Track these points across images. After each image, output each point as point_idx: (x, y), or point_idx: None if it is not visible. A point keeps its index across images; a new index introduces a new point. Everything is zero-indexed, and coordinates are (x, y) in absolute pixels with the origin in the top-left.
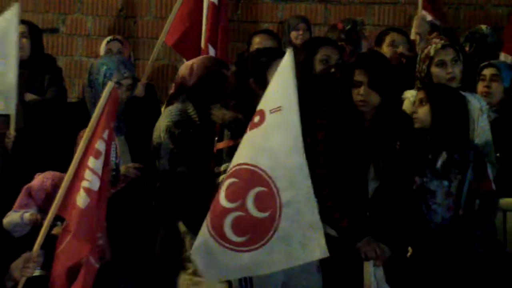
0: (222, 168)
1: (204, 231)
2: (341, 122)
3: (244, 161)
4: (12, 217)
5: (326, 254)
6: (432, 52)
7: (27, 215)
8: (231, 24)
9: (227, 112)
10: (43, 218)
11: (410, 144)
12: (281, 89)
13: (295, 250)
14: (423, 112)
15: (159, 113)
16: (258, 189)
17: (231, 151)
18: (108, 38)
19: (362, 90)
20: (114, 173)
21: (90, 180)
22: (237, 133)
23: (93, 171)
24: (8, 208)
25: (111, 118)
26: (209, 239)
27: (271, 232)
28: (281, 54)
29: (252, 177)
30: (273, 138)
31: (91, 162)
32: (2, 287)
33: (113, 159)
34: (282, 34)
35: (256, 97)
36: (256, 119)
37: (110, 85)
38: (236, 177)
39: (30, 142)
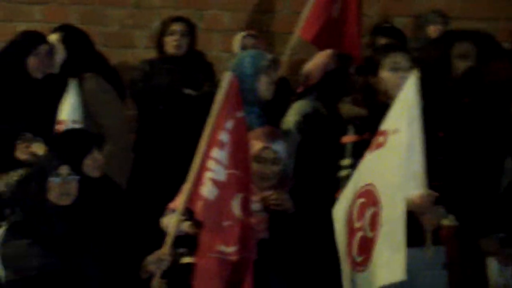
0: (345, 162)
1: (342, 252)
2: (486, 114)
3: (369, 182)
4: (170, 221)
5: (405, 277)
6: None
7: (186, 225)
8: (368, 18)
9: (352, 107)
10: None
11: None
12: (402, 110)
13: (380, 270)
14: None
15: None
16: (372, 209)
17: (356, 146)
18: (243, 33)
19: None
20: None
21: (215, 170)
22: (361, 129)
23: (218, 161)
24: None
25: (234, 108)
26: (345, 260)
27: (372, 252)
28: (393, 49)
29: (370, 196)
30: (388, 159)
31: (215, 152)
32: (137, 278)
33: (284, 158)
34: (417, 28)
35: (376, 93)
36: (381, 139)
37: (228, 74)
38: (364, 197)
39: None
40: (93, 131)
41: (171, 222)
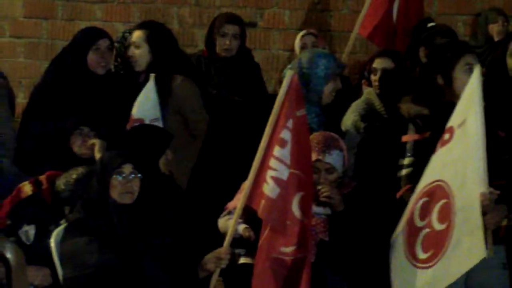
0: (405, 161)
1: (399, 250)
2: None
3: (434, 179)
4: (227, 224)
5: (486, 255)
6: None
7: (241, 228)
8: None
9: (413, 106)
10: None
11: None
12: (468, 104)
13: (462, 257)
14: None
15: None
16: (441, 202)
17: (416, 145)
18: (302, 32)
19: None
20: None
21: (277, 169)
22: (422, 128)
23: (279, 160)
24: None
25: (295, 106)
26: (404, 259)
27: (447, 243)
28: (468, 50)
29: (438, 192)
30: (456, 150)
31: (276, 151)
32: (195, 276)
33: (339, 166)
34: (478, 27)
35: (443, 93)
36: (446, 136)
37: (290, 73)
38: (427, 195)
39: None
40: (180, 131)
41: (230, 221)
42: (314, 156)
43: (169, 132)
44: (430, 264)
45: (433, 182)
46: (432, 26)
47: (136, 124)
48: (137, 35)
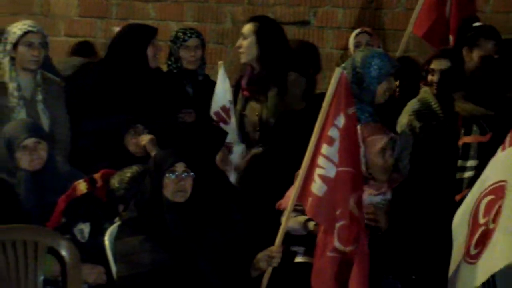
0: (469, 163)
1: (460, 250)
2: None
3: (500, 179)
4: (294, 220)
5: None
6: None
7: (311, 225)
8: (483, 15)
9: (475, 107)
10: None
11: None
12: None
13: (498, 253)
14: None
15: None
16: (499, 202)
17: (480, 147)
18: (357, 30)
19: None
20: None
21: (325, 167)
22: (486, 130)
23: (327, 158)
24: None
25: (344, 104)
26: (460, 254)
27: (489, 242)
28: None
29: (499, 192)
30: None
31: (324, 149)
32: (247, 276)
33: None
34: None
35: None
36: None
37: (338, 70)
38: (493, 194)
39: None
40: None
41: (293, 218)
42: (385, 138)
43: (224, 130)
44: (475, 260)
45: (498, 182)
46: (477, 26)
47: (221, 112)
48: (247, 27)
